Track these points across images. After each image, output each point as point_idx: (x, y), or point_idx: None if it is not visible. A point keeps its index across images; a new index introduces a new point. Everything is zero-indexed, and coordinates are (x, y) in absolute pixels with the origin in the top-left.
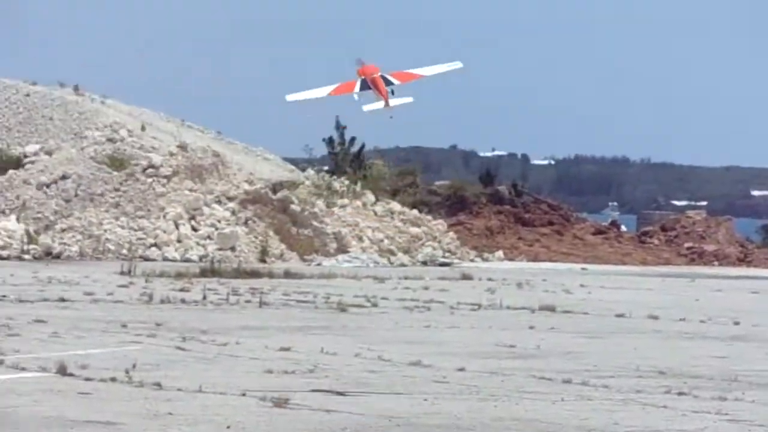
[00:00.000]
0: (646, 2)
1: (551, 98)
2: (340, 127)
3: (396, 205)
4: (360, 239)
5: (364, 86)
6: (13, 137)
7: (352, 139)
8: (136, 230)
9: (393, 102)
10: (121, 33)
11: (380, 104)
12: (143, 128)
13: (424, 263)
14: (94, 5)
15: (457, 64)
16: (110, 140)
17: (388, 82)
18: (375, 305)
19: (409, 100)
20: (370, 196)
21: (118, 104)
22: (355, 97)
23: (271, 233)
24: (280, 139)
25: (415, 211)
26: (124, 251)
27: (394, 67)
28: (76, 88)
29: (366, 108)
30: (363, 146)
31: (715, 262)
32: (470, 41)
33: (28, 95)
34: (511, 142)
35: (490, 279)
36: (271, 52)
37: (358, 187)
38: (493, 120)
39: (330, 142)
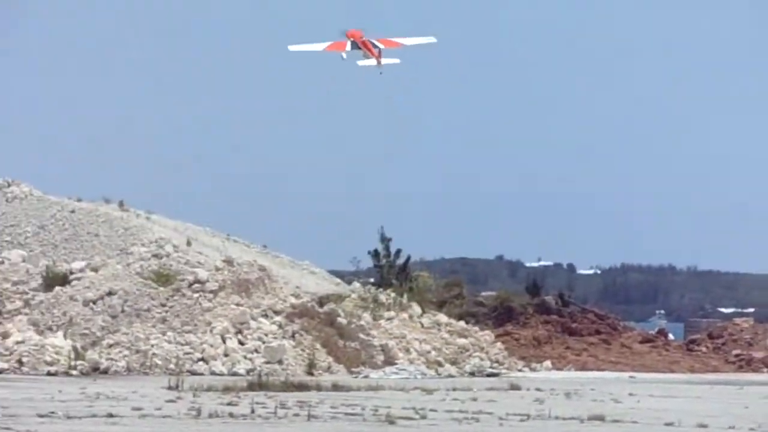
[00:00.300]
0: (687, 110)
1: (596, 207)
2: (385, 240)
3: (442, 317)
4: (407, 351)
5: (354, 47)
6: (59, 254)
7: (398, 252)
8: (183, 345)
9: (384, 61)
10: (164, 147)
11: (373, 61)
12: (189, 243)
13: (472, 374)
14: (137, 120)
15: (431, 39)
16: (156, 256)
17: (375, 45)
18: (424, 417)
19: (397, 61)
20: (416, 308)
21: (163, 219)
22: (343, 56)
23: (318, 346)
24: (326, 253)
25: (461, 323)
26: (172, 366)
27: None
28: (121, 204)
29: (360, 63)
30: (408, 258)
31: (764, 369)
32: (515, 152)
33: (73, 212)
34: (557, 251)
35: (538, 389)
36: (317, 165)
37: (404, 299)
38: (538, 230)
39: (376, 254)
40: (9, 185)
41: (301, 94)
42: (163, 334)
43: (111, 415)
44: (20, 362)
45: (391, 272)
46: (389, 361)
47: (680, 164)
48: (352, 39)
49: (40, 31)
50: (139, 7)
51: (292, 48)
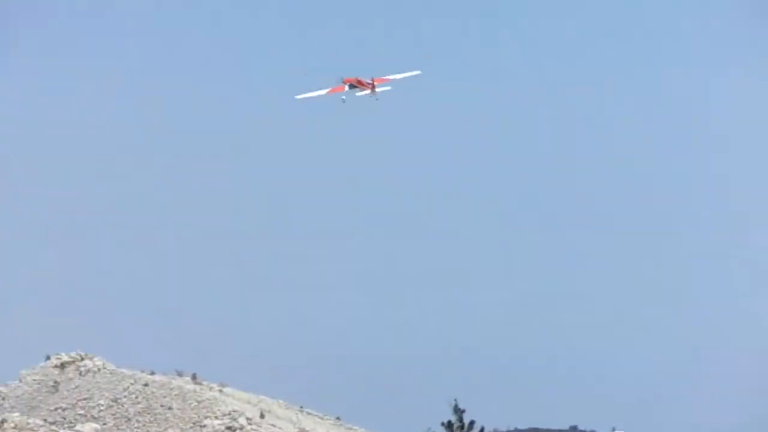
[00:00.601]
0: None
1: (666, 377)
2: (458, 411)
3: None
4: None
5: (352, 87)
6: (132, 427)
7: (471, 423)
8: None
9: (378, 90)
10: (237, 321)
11: (367, 91)
12: (262, 416)
13: None
14: (211, 295)
15: (416, 72)
16: (229, 428)
17: (368, 82)
18: None
19: (388, 87)
20: None
21: (236, 392)
22: (343, 98)
23: None
24: (400, 423)
25: None
26: None
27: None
28: (194, 377)
29: (358, 93)
30: (482, 429)
31: None
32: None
33: (146, 385)
34: (631, 420)
35: None
36: (381, 330)
37: None
38: (611, 399)
39: (449, 425)
40: (82, 359)
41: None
42: None
43: None
44: None
45: None
46: None
47: None
48: (348, 83)
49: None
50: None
51: (298, 97)
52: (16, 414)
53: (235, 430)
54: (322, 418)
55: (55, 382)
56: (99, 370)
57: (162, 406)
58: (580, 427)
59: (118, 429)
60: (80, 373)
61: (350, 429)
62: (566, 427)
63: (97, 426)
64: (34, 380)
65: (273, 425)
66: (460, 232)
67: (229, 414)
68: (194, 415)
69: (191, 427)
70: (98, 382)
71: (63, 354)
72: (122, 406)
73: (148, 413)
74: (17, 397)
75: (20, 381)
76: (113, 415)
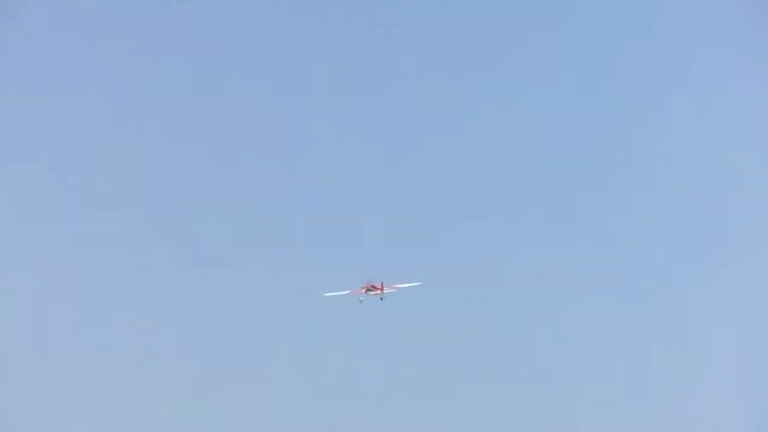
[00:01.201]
0: None
1: None
2: None
3: None
4: None
5: (369, 290)
6: None
7: None
8: None
9: (386, 290)
10: None
11: (377, 293)
12: None
13: None
14: None
15: (418, 283)
16: None
17: (380, 287)
18: None
19: (393, 290)
20: None
21: None
22: (360, 300)
23: None
24: None
25: None
26: None
27: None
28: None
29: (370, 295)
30: None
31: None
32: None
33: None
34: None
35: None
36: None
37: None
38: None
39: None
40: None
41: None
42: None
43: None
44: None
45: None
46: None
47: None
48: (367, 287)
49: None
50: None
51: (327, 294)
52: None
53: None
54: None
55: None
56: None
57: None
58: None
59: None
60: None
61: None
62: None
63: None
64: None
65: None
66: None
67: None
68: None
69: None
70: None
71: None
72: None
73: None
74: None
75: None
76: None
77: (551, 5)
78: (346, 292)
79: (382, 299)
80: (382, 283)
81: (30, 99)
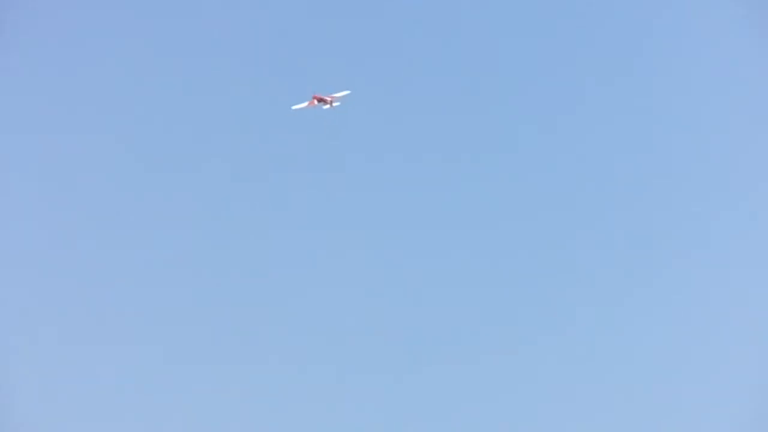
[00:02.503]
0: None
1: None
2: None
3: None
4: None
5: (319, 101)
6: None
7: None
8: None
9: (334, 101)
10: None
11: (326, 105)
12: None
13: None
14: None
15: (347, 92)
16: None
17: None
18: None
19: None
20: None
21: None
22: (294, 107)
23: None
24: None
25: None
26: None
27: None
28: None
29: (324, 107)
30: None
31: None
32: None
33: None
34: None
35: None
36: None
37: None
38: None
39: None
40: None
41: None
42: None
43: None
44: None
45: None
46: None
47: None
48: (315, 98)
49: None
50: None
51: (294, 107)
52: None
53: None
54: None
55: None
56: None
57: None
58: None
59: None
60: None
61: None
62: None
63: None
64: None
65: None
66: None
67: None
68: None
69: None
70: None
71: None
72: None
73: None
74: None
75: None
76: None
77: (551, 8)
78: (304, 105)
79: (336, 105)
80: (330, 99)
81: (30, 99)
